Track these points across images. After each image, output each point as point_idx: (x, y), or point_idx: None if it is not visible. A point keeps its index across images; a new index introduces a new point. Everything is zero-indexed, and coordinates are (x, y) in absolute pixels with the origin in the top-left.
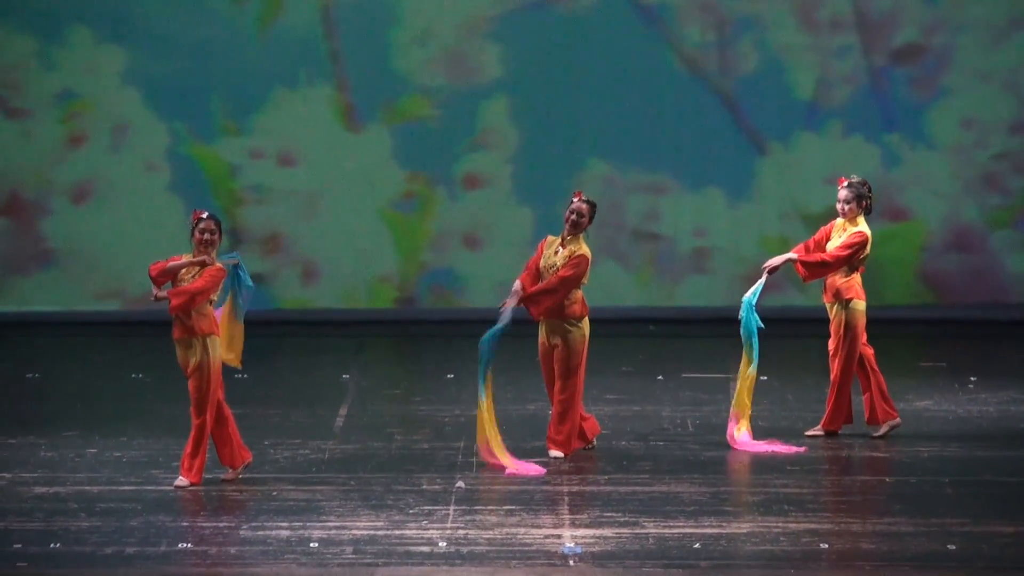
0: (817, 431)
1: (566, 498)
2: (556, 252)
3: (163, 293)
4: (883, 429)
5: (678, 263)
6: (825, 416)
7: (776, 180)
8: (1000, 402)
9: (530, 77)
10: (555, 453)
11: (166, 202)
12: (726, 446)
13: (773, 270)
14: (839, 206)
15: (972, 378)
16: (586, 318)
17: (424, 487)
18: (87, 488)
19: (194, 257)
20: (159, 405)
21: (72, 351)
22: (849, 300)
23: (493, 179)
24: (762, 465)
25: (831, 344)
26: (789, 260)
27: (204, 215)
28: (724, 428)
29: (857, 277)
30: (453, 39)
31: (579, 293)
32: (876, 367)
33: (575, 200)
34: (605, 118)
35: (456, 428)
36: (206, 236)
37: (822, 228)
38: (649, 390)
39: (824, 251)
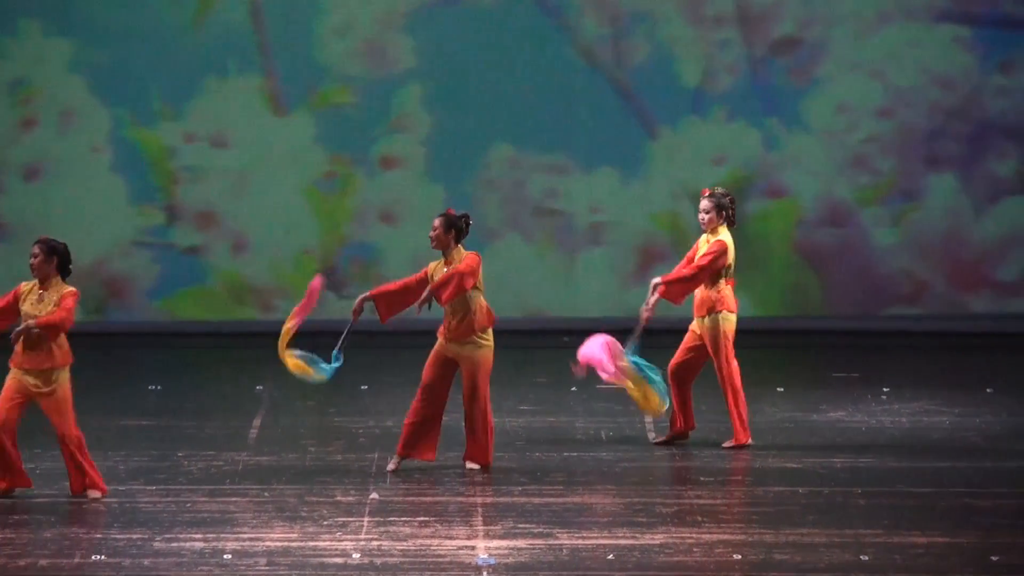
0: (732, 444)
1: (480, 509)
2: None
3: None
4: (665, 437)
5: (576, 236)
6: (736, 431)
7: (665, 161)
8: (913, 413)
9: (441, 67)
10: (472, 465)
11: (109, 181)
12: (640, 458)
13: (650, 312)
14: (700, 216)
15: (885, 389)
16: (491, 329)
17: (338, 498)
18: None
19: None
20: None
21: None
22: (720, 312)
23: (407, 160)
24: (676, 476)
25: (686, 358)
26: (655, 288)
27: (37, 241)
28: (638, 439)
29: (727, 289)
30: (371, 32)
31: (484, 303)
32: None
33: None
34: (509, 104)
35: (370, 439)
36: (31, 261)
37: (692, 248)
38: (563, 401)
39: (693, 262)
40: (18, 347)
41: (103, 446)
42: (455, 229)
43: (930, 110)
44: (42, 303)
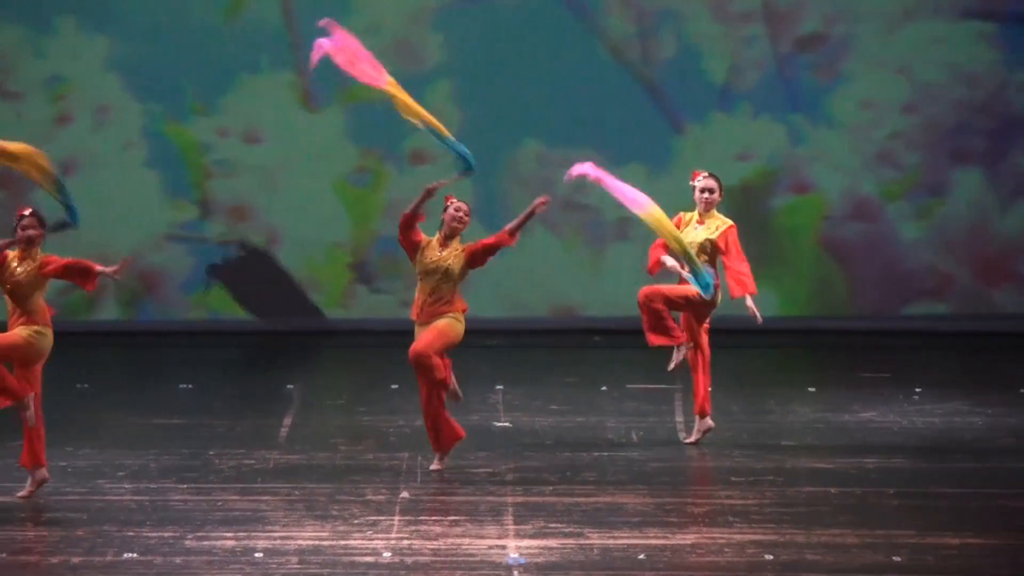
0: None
1: (511, 508)
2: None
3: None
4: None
5: (604, 231)
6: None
7: (692, 157)
8: (945, 413)
9: (470, 64)
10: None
11: (143, 176)
12: (671, 458)
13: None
14: (704, 195)
15: (917, 389)
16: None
17: (369, 497)
18: (33, 498)
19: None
20: (104, 415)
21: None
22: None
23: (437, 155)
24: (707, 476)
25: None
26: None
27: (27, 212)
28: (669, 439)
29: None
30: (400, 29)
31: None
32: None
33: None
34: (538, 100)
35: (400, 439)
36: (29, 232)
37: (675, 219)
38: (593, 401)
39: (737, 261)
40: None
41: (135, 444)
42: None
43: (955, 106)
44: (28, 260)
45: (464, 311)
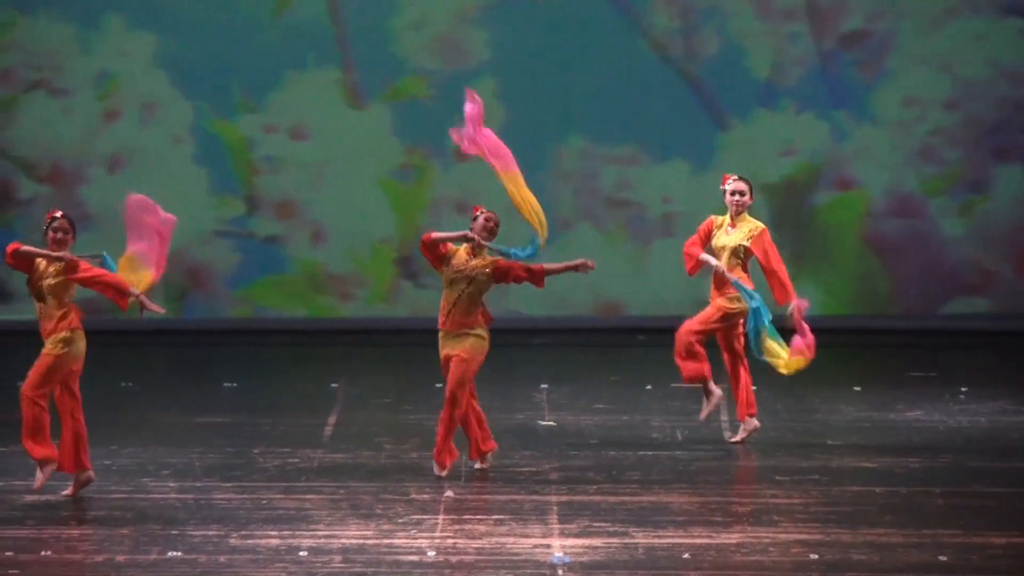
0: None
1: (555, 508)
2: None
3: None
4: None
5: (648, 227)
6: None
7: (735, 153)
8: (991, 412)
9: (515, 60)
10: (481, 464)
11: (190, 171)
12: (716, 457)
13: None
14: (735, 198)
15: (963, 388)
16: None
17: (413, 496)
18: (78, 496)
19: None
20: (149, 413)
21: None
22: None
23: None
24: (752, 475)
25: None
26: (797, 309)
27: (58, 215)
28: (714, 438)
29: (748, 271)
30: (446, 26)
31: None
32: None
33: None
34: (582, 97)
35: None
36: (59, 235)
37: (706, 224)
38: (638, 400)
39: (779, 266)
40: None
41: (180, 443)
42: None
43: (997, 102)
44: (57, 263)
45: (489, 323)
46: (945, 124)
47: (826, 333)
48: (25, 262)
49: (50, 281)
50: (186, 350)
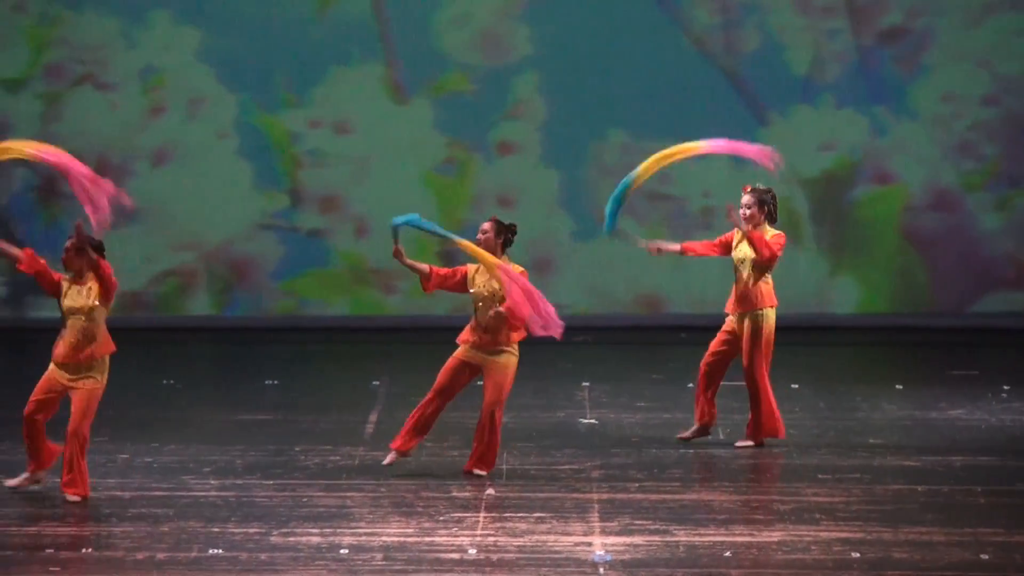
0: (746, 442)
1: (596, 506)
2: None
3: None
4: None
5: (688, 221)
6: (751, 426)
7: (775, 147)
8: None
9: (557, 55)
10: (480, 471)
11: (235, 165)
12: (757, 455)
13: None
14: (742, 211)
15: (1005, 387)
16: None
17: (454, 494)
18: (118, 493)
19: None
20: (190, 411)
21: None
22: (762, 309)
23: (524, 146)
24: (793, 474)
25: (722, 352)
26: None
27: (70, 236)
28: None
29: (770, 284)
30: (489, 21)
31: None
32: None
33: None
34: (623, 92)
35: None
36: (68, 256)
37: (723, 236)
38: (679, 398)
39: (761, 245)
40: (60, 342)
41: (221, 440)
42: (504, 236)
43: None
44: (82, 296)
45: (522, 339)
46: (983, 119)
47: (867, 331)
48: (44, 277)
49: (87, 303)
50: (228, 347)
